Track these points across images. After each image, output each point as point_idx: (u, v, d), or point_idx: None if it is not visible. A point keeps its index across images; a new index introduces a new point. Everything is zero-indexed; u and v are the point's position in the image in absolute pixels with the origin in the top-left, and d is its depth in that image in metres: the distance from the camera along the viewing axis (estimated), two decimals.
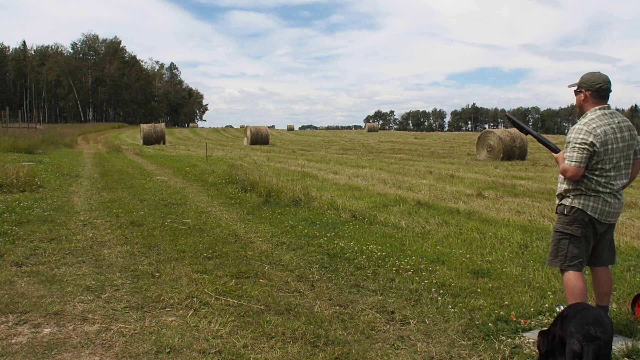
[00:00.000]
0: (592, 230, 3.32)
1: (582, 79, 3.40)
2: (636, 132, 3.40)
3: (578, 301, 3.28)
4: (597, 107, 3.31)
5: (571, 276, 3.32)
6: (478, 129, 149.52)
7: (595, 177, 3.24)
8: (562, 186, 3.42)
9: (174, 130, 68.96)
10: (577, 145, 3.21)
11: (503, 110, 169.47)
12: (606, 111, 3.31)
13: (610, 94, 3.36)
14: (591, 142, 3.17)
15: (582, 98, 3.38)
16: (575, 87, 3.43)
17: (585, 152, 3.19)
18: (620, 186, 3.31)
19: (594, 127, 3.20)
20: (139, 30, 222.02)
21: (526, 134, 3.80)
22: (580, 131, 3.22)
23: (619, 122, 3.29)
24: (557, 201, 3.49)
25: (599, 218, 3.28)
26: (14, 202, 8.04)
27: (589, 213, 3.26)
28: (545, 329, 2.85)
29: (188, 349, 3.10)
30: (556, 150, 3.49)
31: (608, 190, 3.25)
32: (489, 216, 7.63)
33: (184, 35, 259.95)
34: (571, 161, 3.22)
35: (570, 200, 3.33)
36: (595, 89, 3.32)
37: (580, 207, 3.28)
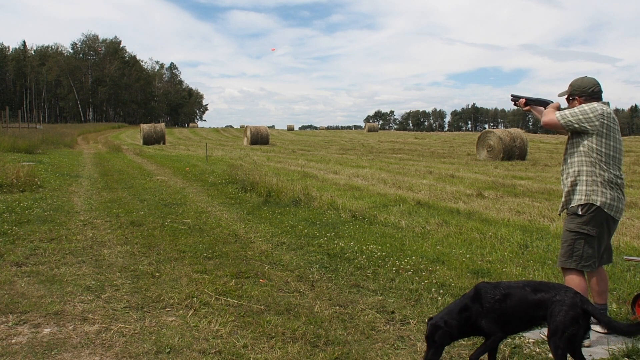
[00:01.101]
0: (607, 229, 3.34)
1: (573, 87, 3.46)
2: None
3: None
4: (600, 102, 3.36)
5: (575, 276, 3.31)
6: (478, 129, 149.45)
7: (609, 168, 3.26)
8: (570, 179, 3.37)
9: (174, 130, 68.97)
10: (577, 110, 3.30)
11: (503, 111, 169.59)
12: (603, 104, 3.36)
13: (602, 94, 3.43)
14: (589, 117, 3.24)
15: (577, 105, 3.42)
16: (566, 96, 3.48)
17: (576, 118, 3.27)
18: (624, 182, 3.35)
19: (604, 109, 3.26)
20: (139, 30, 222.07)
21: (525, 106, 3.78)
22: (591, 104, 3.29)
23: (613, 116, 3.36)
24: (564, 198, 3.43)
25: (615, 215, 3.30)
26: (14, 202, 8.04)
27: (605, 211, 3.26)
28: (439, 318, 2.72)
29: (188, 349, 3.10)
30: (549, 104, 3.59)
31: (620, 182, 3.30)
32: (489, 216, 7.63)
33: (184, 35, 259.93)
34: (559, 115, 3.34)
35: (585, 197, 3.29)
36: (588, 94, 3.39)
37: (598, 205, 3.26)
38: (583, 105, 3.33)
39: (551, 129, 3.48)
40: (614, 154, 3.28)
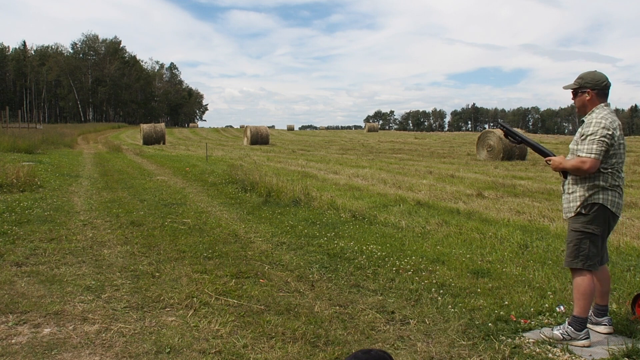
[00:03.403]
0: (608, 227, 3.36)
1: (585, 79, 3.39)
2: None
3: (588, 303, 3.26)
4: (602, 104, 3.34)
5: (586, 277, 3.29)
6: (478, 129, 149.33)
7: (610, 171, 3.26)
8: (575, 194, 3.33)
9: (174, 130, 68.96)
10: (596, 138, 3.20)
11: (503, 111, 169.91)
12: (610, 109, 3.36)
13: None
14: (611, 134, 3.20)
15: (588, 98, 3.36)
16: (577, 87, 3.43)
17: (604, 145, 3.19)
18: (624, 182, 3.36)
19: (611, 122, 3.23)
20: (139, 30, 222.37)
21: (519, 144, 3.78)
22: (599, 124, 3.22)
23: (618, 122, 3.35)
24: (565, 204, 3.41)
25: (616, 212, 3.31)
26: (14, 202, 8.04)
27: (608, 207, 3.27)
28: None
29: (188, 349, 3.10)
30: (552, 155, 3.50)
31: (620, 183, 3.30)
32: (489, 216, 7.63)
33: (184, 35, 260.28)
34: (591, 153, 3.19)
35: (588, 197, 3.28)
36: (601, 87, 3.34)
37: (601, 202, 3.26)
38: (597, 129, 3.20)
39: (589, 171, 3.28)
40: (614, 160, 3.27)
